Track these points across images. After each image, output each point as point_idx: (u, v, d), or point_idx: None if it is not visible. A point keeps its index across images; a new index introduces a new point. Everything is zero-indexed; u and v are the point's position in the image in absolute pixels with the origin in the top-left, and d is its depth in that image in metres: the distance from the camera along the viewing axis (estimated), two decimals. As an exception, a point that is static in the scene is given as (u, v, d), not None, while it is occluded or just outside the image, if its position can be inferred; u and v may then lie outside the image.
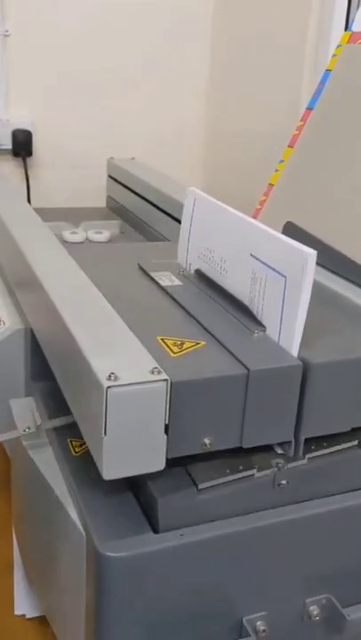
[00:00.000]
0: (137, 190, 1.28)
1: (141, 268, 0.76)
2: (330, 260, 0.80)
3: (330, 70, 0.93)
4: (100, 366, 0.50)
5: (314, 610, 0.63)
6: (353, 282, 0.77)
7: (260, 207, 0.99)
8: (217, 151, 1.55)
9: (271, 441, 0.59)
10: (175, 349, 0.57)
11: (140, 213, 1.27)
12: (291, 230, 0.89)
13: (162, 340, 0.59)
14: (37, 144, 1.46)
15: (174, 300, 0.68)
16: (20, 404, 0.73)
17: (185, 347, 0.58)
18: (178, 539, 0.56)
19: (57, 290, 0.65)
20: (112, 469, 0.51)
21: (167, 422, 0.51)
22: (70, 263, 0.73)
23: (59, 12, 1.40)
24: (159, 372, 0.50)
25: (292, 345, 0.58)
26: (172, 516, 0.56)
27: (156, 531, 0.56)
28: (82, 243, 1.13)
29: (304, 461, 0.61)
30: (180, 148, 1.57)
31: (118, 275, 0.75)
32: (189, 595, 0.58)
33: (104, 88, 1.48)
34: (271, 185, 0.97)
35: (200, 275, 0.73)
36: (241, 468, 0.59)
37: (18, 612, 0.79)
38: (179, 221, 0.79)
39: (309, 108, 0.94)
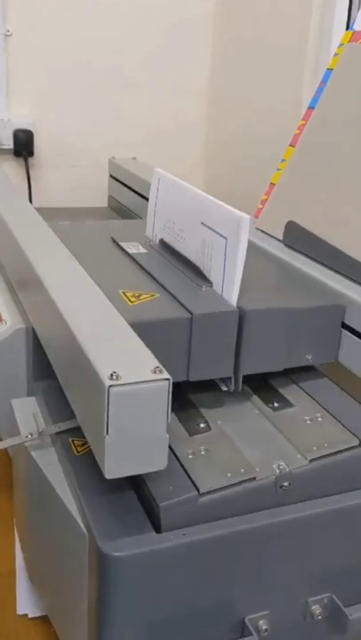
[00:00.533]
0: (138, 190, 1.28)
1: (114, 240, 0.88)
2: (333, 259, 0.80)
3: (331, 69, 0.93)
4: (102, 365, 0.50)
5: (316, 609, 0.63)
6: (356, 281, 0.76)
7: (261, 206, 0.98)
8: (218, 150, 1.54)
9: (213, 376, 0.69)
10: (133, 299, 0.69)
11: (141, 213, 1.27)
12: (293, 229, 0.89)
13: (123, 292, 0.71)
14: (39, 144, 1.47)
15: (138, 264, 0.79)
16: (21, 403, 0.73)
17: (142, 297, 0.70)
18: (180, 538, 0.56)
19: (58, 289, 0.65)
20: (114, 468, 0.51)
21: (169, 421, 0.51)
22: (72, 262, 0.73)
23: (60, 12, 1.41)
24: (161, 372, 0.50)
25: (232, 296, 0.69)
26: (174, 518, 0.56)
27: (158, 530, 0.56)
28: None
29: (306, 463, 0.61)
30: (182, 147, 1.57)
31: (95, 246, 0.86)
32: (192, 594, 0.58)
33: (105, 88, 1.48)
34: (273, 184, 0.97)
35: (163, 243, 0.85)
36: (243, 471, 0.59)
37: (20, 611, 0.79)
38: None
39: (311, 107, 0.94)
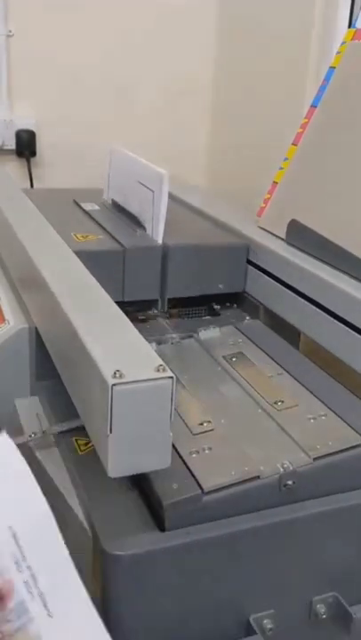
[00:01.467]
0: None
1: (75, 202, 1.06)
2: (336, 257, 0.80)
3: (334, 67, 0.92)
4: (106, 364, 0.50)
5: (321, 608, 0.63)
6: (358, 279, 0.76)
7: (264, 205, 0.98)
8: (221, 149, 1.54)
9: (144, 297, 0.88)
10: (81, 239, 0.88)
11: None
12: (295, 228, 0.89)
13: (74, 234, 0.89)
14: (41, 144, 1.47)
15: (91, 217, 0.99)
16: (25, 403, 0.73)
17: (88, 238, 0.89)
18: (184, 537, 0.56)
19: (61, 288, 0.65)
20: (118, 467, 0.51)
21: (172, 419, 0.51)
22: (75, 261, 0.73)
23: (61, 12, 1.41)
24: (165, 370, 0.50)
25: (159, 236, 0.88)
26: (178, 517, 0.56)
27: (162, 529, 0.56)
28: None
29: (310, 461, 0.61)
30: (185, 146, 1.57)
31: (59, 206, 1.04)
32: (196, 593, 0.58)
33: (107, 88, 1.48)
34: (275, 183, 0.97)
35: (113, 202, 1.05)
36: (246, 469, 0.59)
37: (24, 611, 0.79)
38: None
39: (313, 106, 0.94)
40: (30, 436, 0.67)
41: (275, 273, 0.87)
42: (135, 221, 0.94)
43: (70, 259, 0.74)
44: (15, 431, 0.72)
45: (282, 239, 0.90)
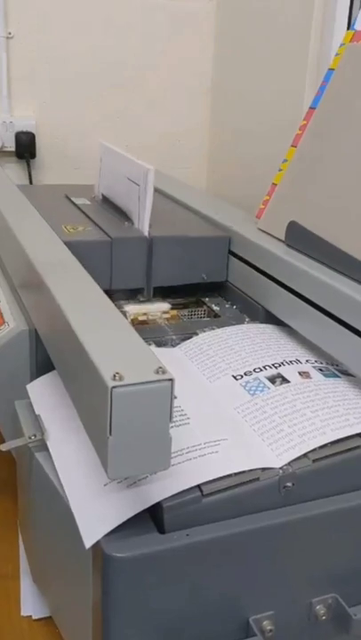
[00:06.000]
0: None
1: (67, 197, 1.11)
2: (335, 259, 0.80)
3: (333, 69, 0.93)
4: (105, 366, 0.50)
5: (320, 609, 0.63)
6: (358, 281, 0.76)
7: (263, 207, 0.98)
8: (220, 151, 1.55)
9: (131, 286, 0.93)
10: (71, 230, 0.92)
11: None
12: (294, 230, 0.89)
13: (64, 226, 0.93)
14: (41, 146, 1.47)
15: (82, 210, 1.03)
16: (25, 405, 0.73)
17: (78, 229, 0.93)
18: (184, 539, 0.56)
19: (61, 290, 0.65)
20: (117, 469, 0.51)
21: (171, 421, 0.51)
22: (74, 263, 0.73)
23: (61, 14, 1.41)
24: (164, 372, 0.50)
25: (144, 227, 0.92)
26: (177, 518, 0.56)
27: (161, 531, 0.56)
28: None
29: (309, 463, 0.61)
30: (184, 148, 1.57)
31: (52, 201, 1.08)
32: (196, 594, 0.58)
33: (107, 90, 1.49)
34: (274, 184, 0.97)
35: (103, 197, 1.09)
36: (246, 471, 0.59)
37: (24, 613, 0.79)
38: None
39: (312, 108, 0.94)
40: (30, 437, 0.67)
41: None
42: (123, 215, 0.98)
43: (70, 261, 0.74)
44: (15, 433, 0.72)
45: (281, 240, 0.91)
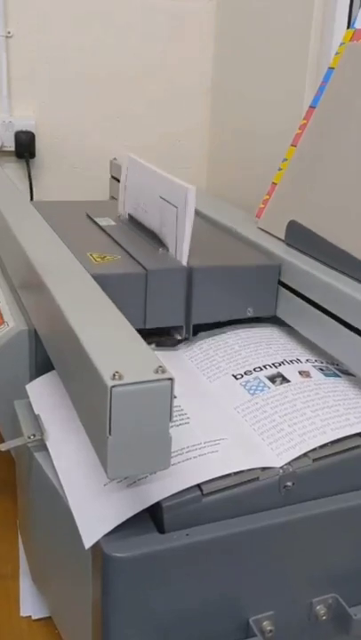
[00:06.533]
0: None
1: (88, 216, 1.00)
2: (335, 258, 0.80)
3: (333, 68, 0.92)
4: (104, 366, 0.50)
5: (320, 609, 0.63)
6: (358, 280, 0.76)
7: (263, 206, 0.98)
8: (220, 150, 1.54)
9: (167, 324, 0.81)
10: (98, 260, 0.80)
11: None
12: (295, 229, 0.89)
13: (90, 254, 0.82)
14: (40, 145, 1.47)
15: (107, 233, 0.91)
16: (24, 405, 0.73)
17: (106, 259, 0.81)
18: (184, 538, 0.56)
19: (60, 290, 0.65)
20: (117, 469, 0.50)
21: (171, 420, 0.51)
22: (74, 263, 0.73)
23: (61, 13, 1.41)
24: (163, 371, 0.50)
25: (183, 256, 0.81)
26: (177, 518, 0.56)
27: (161, 531, 0.56)
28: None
29: (310, 462, 0.61)
30: (184, 147, 1.57)
31: (72, 221, 0.97)
32: (195, 595, 0.57)
33: (107, 89, 1.48)
34: (274, 184, 0.97)
35: (131, 217, 0.97)
36: (245, 470, 0.59)
37: (24, 613, 0.79)
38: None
39: (312, 107, 0.94)
40: (29, 437, 0.67)
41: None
42: (155, 239, 0.87)
43: (69, 261, 0.74)
44: (14, 433, 0.72)
45: (281, 240, 0.90)
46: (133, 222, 0.95)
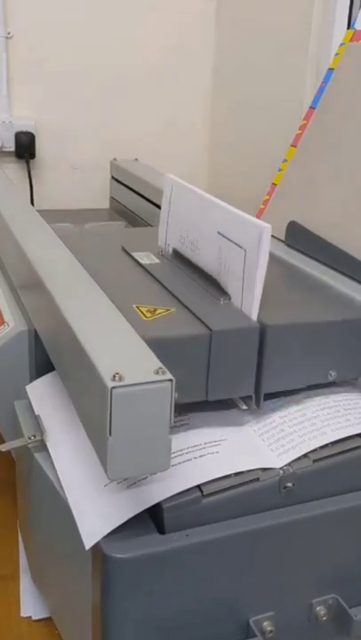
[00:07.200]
0: (140, 191, 1.28)
1: (124, 250, 0.83)
2: (335, 259, 0.80)
3: (333, 69, 0.93)
4: (105, 367, 0.50)
5: (321, 610, 0.63)
6: (358, 281, 0.76)
7: (263, 207, 0.98)
8: (220, 151, 1.54)
9: (233, 395, 0.65)
10: (148, 314, 0.65)
11: (143, 214, 1.27)
12: (295, 230, 0.89)
13: (137, 307, 0.66)
14: (40, 146, 1.47)
15: (152, 275, 0.75)
16: (24, 406, 0.73)
17: (157, 312, 0.65)
18: (184, 539, 0.56)
19: (60, 291, 0.65)
20: (117, 470, 0.50)
21: (172, 423, 0.51)
22: (74, 264, 0.73)
23: (61, 14, 1.41)
24: (164, 372, 0.50)
25: (252, 310, 0.65)
26: (177, 519, 0.56)
27: (161, 531, 0.56)
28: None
29: (310, 463, 0.61)
30: (183, 148, 1.57)
31: (106, 256, 0.82)
32: (195, 595, 0.57)
33: (107, 90, 1.48)
34: (274, 184, 0.97)
35: (176, 253, 0.80)
36: (246, 471, 0.59)
37: (24, 613, 0.79)
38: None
39: (312, 107, 0.94)
40: (29, 438, 0.67)
41: None
42: (213, 285, 0.71)
43: (69, 262, 0.74)
44: (15, 434, 0.72)
45: (281, 240, 0.91)
46: (180, 260, 0.78)
